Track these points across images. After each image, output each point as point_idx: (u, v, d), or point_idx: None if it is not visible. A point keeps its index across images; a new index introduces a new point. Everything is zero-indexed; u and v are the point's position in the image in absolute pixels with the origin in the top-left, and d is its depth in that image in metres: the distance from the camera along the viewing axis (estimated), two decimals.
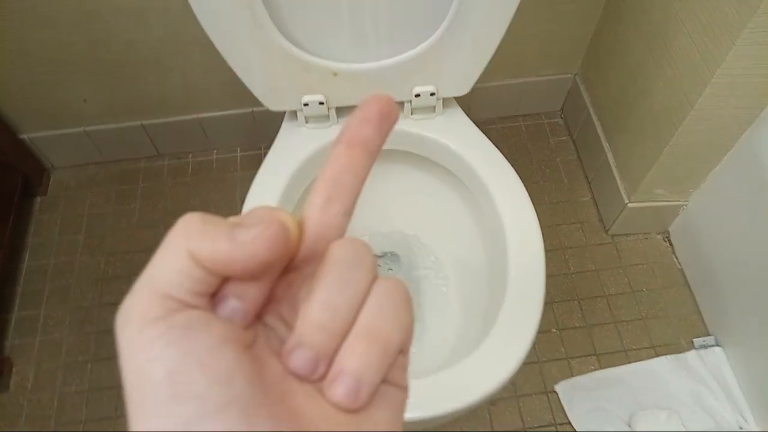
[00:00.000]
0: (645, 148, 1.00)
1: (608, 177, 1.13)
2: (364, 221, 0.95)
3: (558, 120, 1.33)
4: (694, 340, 1.04)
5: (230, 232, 0.16)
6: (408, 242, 0.97)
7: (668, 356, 1.03)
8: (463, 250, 0.91)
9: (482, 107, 1.27)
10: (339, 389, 0.17)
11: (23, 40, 0.99)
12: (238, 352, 0.16)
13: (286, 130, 0.82)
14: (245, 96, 0.88)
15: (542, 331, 1.06)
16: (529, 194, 0.75)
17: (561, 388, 1.01)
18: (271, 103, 0.78)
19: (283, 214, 0.17)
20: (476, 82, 0.78)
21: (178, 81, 1.11)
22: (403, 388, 0.18)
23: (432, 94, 0.78)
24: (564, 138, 1.31)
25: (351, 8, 0.69)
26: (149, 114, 1.18)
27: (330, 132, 0.82)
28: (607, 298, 1.10)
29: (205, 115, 1.20)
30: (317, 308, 0.17)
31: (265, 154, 0.80)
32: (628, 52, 1.02)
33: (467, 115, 0.83)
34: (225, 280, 0.17)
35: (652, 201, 1.07)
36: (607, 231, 1.17)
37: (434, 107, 0.80)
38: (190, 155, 1.29)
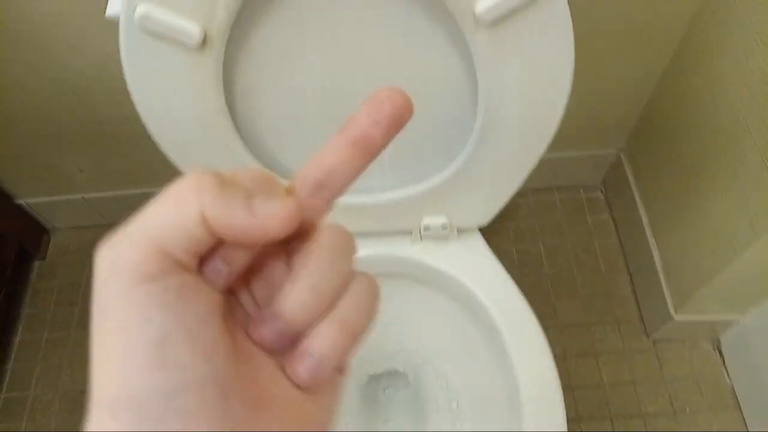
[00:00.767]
0: (699, 261, 0.86)
1: (652, 277, 0.99)
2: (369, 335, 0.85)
3: (598, 194, 1.19)
4: None
5: (248, 203, 0.16)
6: (416, 362, 0.86)
7: None
8: (477, 378, 0.80)
9: None
10: (303, 367, 0.18)
11: (13, 110, 0.92)
12: (221, 325, 0.16)
13: None
14: None
15: None
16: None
17: None
18: None
19: (281, 188, 0.18)
20: None
21: None
22: (345, 371, 0.20)
23: (444, 227, 0.66)
24: (604, 216, 1.17)
25: None
26: (149, 183, 1.10)
27: None
28: (644, 418, 0.97)
29: None
30: (305, 289, 0.18)
31: None
32: (683, 146, 0.87)
33: None
34: (219, 242, 0.17)
35: (703, 314, 0.93)
36: (648, 335, 1.03)
37: (447, 237, 0.69)
38: None
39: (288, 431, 0.17)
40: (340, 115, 0.19)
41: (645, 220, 1.02)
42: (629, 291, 1.08)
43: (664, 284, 0.96)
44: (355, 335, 0.18)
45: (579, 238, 1.15)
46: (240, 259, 0.17)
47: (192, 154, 0.58)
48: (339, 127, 0.18)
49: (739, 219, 0.75)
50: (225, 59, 0.48)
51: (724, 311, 0.92)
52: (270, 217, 0.16)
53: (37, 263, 1.18)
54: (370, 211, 0.65)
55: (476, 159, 0.56)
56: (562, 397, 0.61)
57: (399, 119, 0.18)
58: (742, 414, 0.96)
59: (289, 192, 0.18)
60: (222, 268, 0.17)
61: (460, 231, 0.69)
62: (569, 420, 0.61)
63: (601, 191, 1.19)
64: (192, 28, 0.44)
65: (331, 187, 0.18)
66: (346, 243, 0.19)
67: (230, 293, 0.18)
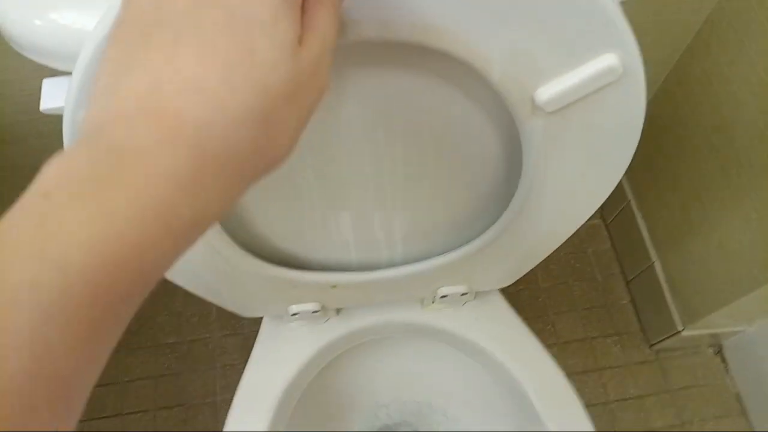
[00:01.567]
0: (712, 285, 0.81)
1: (654, 288, 0.95)
2: (377, 386, 0.77)
3: None
4: None
5: None
6: (427, 414, 0.79)
7: None
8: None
9: None
10: None
11: None
12: None
13: (269, 332, 0.62)
14: None
15: None
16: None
17: None
18: (245, 311, 0.58)
19: None
20: None
21: None
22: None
23: (463, 294, 0.58)
24: (595, 221, 1.12)
25: (355, 218, 0.49)
26: None
27: (327, 328, 0.63)
28: None
29: None
30: None
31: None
32: (681, 161, 0.82)
33: None
34: None
35: (712, 328, 0.90)
36: (650, 345, 1.00)
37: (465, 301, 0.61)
38: None
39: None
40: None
41: (644, 229, 0.97)
42: (628, 300, 1.04)
43: (669, 299, 0.92)
44: None
45: (570, 245, 1.09)
46: None
47: None
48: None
49: (756, 249, 0.70)
50: None
51: (732, 324, 0.89)
52: None
53: None
54: (375, 288, 0.56)
55: (510, 232, 0.48)
56: None
57: None
58: (747, 419, 0.95)
59: None
60: None
61: (479, 294, 0.62)
62: None
63: None
64: None
65: None
66: None
67: None
